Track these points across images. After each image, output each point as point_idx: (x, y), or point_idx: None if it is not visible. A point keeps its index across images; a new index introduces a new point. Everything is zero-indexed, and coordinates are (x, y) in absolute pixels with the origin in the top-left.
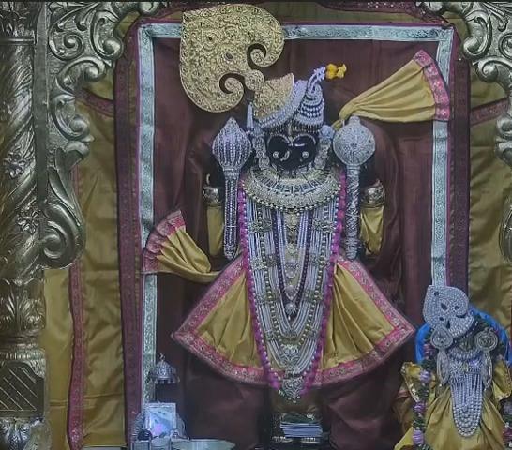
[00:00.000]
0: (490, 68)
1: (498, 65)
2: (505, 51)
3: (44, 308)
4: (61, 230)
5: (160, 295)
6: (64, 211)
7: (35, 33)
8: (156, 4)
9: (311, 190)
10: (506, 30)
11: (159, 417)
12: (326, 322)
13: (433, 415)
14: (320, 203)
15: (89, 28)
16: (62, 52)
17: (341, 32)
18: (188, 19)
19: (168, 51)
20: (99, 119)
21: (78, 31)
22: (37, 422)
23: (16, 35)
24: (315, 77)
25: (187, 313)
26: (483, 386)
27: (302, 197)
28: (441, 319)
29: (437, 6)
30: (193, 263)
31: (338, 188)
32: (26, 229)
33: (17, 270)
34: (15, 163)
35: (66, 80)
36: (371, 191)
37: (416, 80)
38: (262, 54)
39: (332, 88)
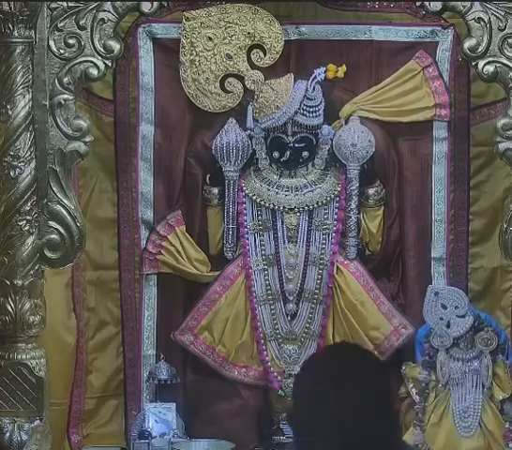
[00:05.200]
0: (490, 68)
1: (498, 65)
2: (505, 51)
3: (44, 308)
4: (61, 230)
5: (160, 295)
6: (64, 211)
7: (35, 33)
8: (156, 4)
9: (311, 190)
10: (506, 30)
11: (159, 417)
12: (326, 322)
13: (433, 415)
14: (320, 203)
15: (89, 28)
16: (62, 52)
17: (341, 32)
18: (188, 19)
19: (168, 51)
20: (99, 119)
21: (78, 31)
22: (37, 422)
23: (16, 35)
24: (315, 77)
25: (187, 313)
26: (483, 386)
27: (302, 197)
28: (441, 319)
29: (437, 6)
30: (193, 263)
31: (338, 188)
32: (26, 229)
33: (17, 270)
34: (15, 163)
35: (66, 80)
36: (371, 191)
37: (416, 80)
38: (262, 54)
39: (332, 88)
